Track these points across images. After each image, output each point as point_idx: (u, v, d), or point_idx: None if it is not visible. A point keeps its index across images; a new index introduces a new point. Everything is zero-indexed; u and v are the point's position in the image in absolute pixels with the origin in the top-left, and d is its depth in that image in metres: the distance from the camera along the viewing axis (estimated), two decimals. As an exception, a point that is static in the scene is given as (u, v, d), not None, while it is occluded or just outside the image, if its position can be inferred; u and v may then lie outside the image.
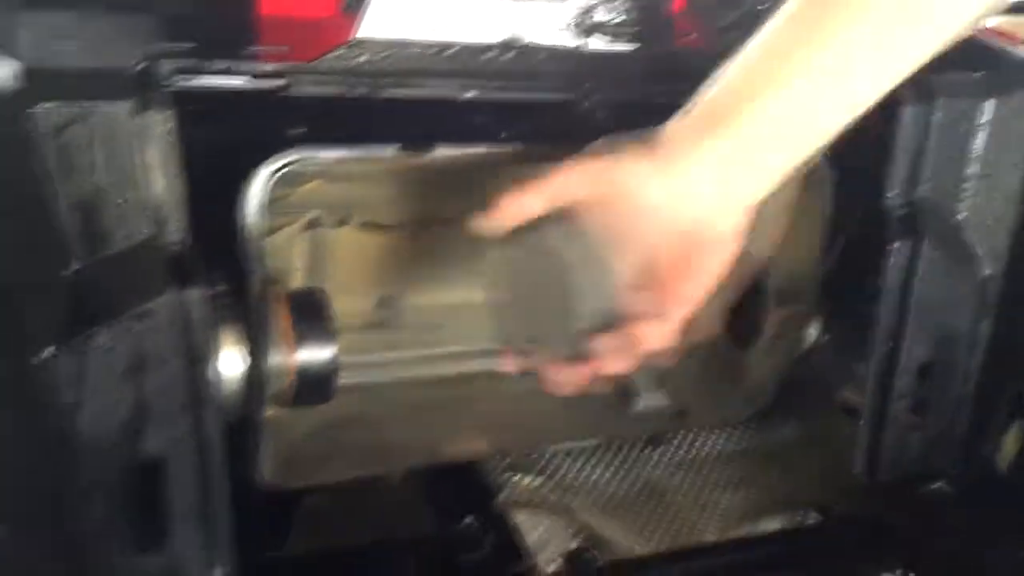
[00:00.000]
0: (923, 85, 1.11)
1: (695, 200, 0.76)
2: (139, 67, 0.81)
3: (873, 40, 0.72)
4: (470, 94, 0.97)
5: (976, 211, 1.17)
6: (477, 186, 1.22)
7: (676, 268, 0.78)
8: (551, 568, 1.13)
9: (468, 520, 1.26)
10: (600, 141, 0.81)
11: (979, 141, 1.15)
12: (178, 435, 0.87)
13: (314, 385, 1.06)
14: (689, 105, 0.77)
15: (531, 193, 0.82)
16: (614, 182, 0.77)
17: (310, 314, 1.04)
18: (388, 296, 1.32)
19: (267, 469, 1.09)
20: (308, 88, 0.91)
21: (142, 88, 0.81)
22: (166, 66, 0.84)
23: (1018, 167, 1.18)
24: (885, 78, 0.75)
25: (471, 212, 1.27)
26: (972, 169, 1.16)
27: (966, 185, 1.16)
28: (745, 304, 1.45)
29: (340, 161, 1.00)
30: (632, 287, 0.80)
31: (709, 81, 0.77)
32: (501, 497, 1.24)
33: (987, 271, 1.19)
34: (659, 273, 0.79)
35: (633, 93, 1.04)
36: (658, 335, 0.80)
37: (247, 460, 1.06)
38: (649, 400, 1.41)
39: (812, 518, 1.26)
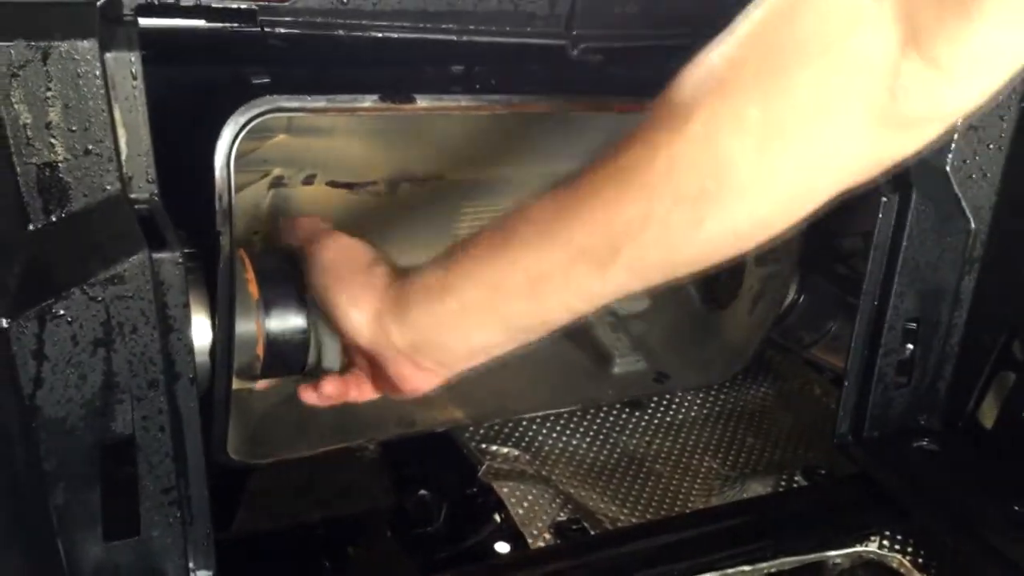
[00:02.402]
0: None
1: (397, 359, 0.85)
2: (102, 1, 0.72)
3: (561, 273, 0.75)
4: (457, 37, 0.90)
5: (962, 164, 1.15)
6: (452, 143, 1.16)
7: (381, 379, 0.90)
8: (540, 541, 1.08)
9: (422, 493, 1.22)
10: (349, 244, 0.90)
11: (968, 92, 1.12)
12: (150, 412, 0.79)
13: (284, 356, 0.99)
14: (428, 267, 0.83)
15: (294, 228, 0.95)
16: (330, 298, 0.87)
17: (279, 280, 0.97)
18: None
19: (231, 445, 1.02)
20: (282, 29, 0.84)
21: (106, 25, 0.72)
22: (130, 2, 0.75)
23: (1004, 119, 1.16)
24: (572, 307, 0.78)
25: (445, 170, 1.22)
26: (961, 122, 1.13)
27: (955, 137, 1.14)
28: (723, 265, 1.42)
29: (312, 113, 0.93)
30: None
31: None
32: (481, 470, 1.19)
33: (972, 225, 1.17)
34: (372, 366, 0.90)
35: (625, 38, 0.99)
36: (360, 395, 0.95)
37: (208, 436, 0.99)
38: (626, 364, 1.37)
39: (797, 481, 1.24)
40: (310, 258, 0.89)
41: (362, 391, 0.95)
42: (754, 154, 0.67)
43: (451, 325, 0.81)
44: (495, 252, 0.78)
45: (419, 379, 0.86)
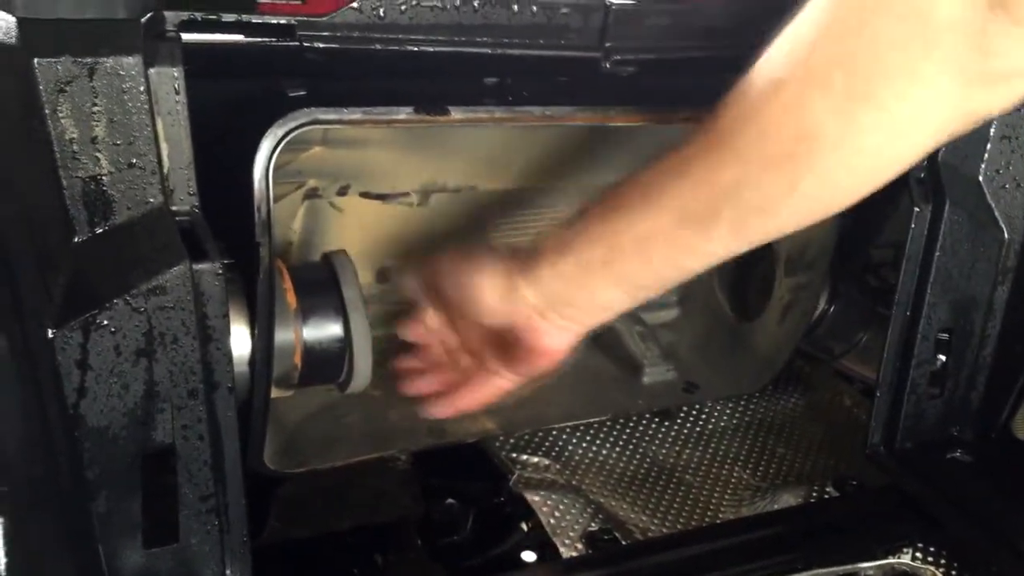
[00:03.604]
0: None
1: (532, 320, 0.89)
2: (146, 18, 0.74)
3: (666, 234, 0.80)
4: (491, 50, 0.91)
5: (995, 174, 1.15)
6: (484, 154, 1.17)
7: (513, 354, 0.94)
8: (572, 551, 1.09)
9: (449, 502, 1.22)
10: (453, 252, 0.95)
11: (1001, 102, 1.12)
12: (190, 421, 0.81)
13: (321, 364, 1.00)
14: (555, 231, 0.88)
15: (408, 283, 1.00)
16: (461, 282, 0.92)
17: (317, 289, 0.98)
18: (387, 267, 1.26)
19: (266, 454, 1.03)
20: (320, 44, 0.85)
21: (150, 41, 0.73)
22: (172, 18, 0.76)
23: (1038, 128, 1.15)
24: (683, 265, 0.83)
25: (477, 181, 1.23)
26: (994, 130, 1.13)
27: (987, 147, 1.13)
28: (754, 274, 1.42)
29: (348, 125, 0.94)
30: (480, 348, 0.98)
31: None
32: (512, 479, 1.19)
33: (1006, 235, 1.16)
34: (502, 351, 0.95)
35: (657, 50, 0.99)
36: (492, 388, 0.99)
37: (245, 445, 0.99)
38: (656, 374, 1.37)
39: (828, 492, 1.23)
40: (434, 264, 0.95)
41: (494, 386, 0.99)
42: (841, 116, 0.70)
43: (575, 282, 0.86)
44: (608, 215, 0.83)
45: (554, 336, 0.90)
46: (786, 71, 0.72)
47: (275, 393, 0.96)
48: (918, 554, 1.09)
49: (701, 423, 1.37)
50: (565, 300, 0.87)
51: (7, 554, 0.49)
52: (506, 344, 0.93)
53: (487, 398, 1.01)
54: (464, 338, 0.99)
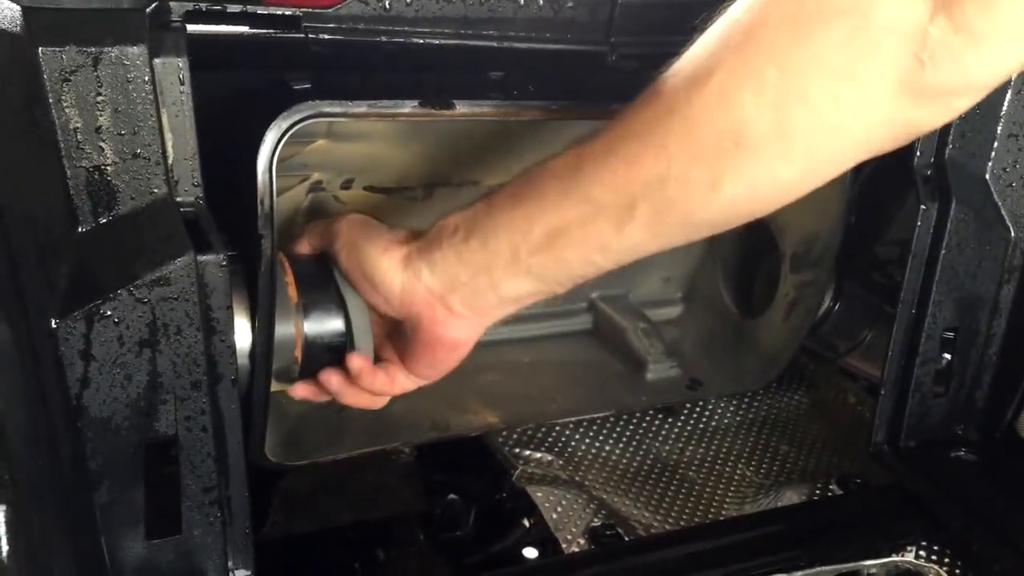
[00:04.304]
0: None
1: (431, 307, 0.85)
2: (151, 8, 0.73)
3: (579, 228, 0.76)
4: (497, 43, 0.90)
5: (1002, 172, 1.14)
6: (489, 148, 1.17)
7: (410, 349, 0.89)
8: (574, 546, 1.08)
9: (451, 497, 1.22)
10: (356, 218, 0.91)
11: (1008, 100, 1.11)
12: (193, 412, 0.81)
13: (322, 358, 0.99)
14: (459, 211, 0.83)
15: (315, 232, 0.94)
16: (363, 257, 0.87)
17: (318, 283, 0.98)
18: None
19: (267, 447, 1.03)
20: (326, 35, 0.85)
21: (155, 31, 0.73)
22: (178, 8, 0.76)
23: (1047, 126, 1.15)
24: (593, 261, 0.79)
25: (481, 175, 1.22)
26: (1001, 128, 1.12)
27: (995, 145, 1.13)
28: (759, 271, 1.42)
29: (352, 118, 0.93)
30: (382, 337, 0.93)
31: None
32: (515, 474, 1.19)
33: (1012, 234, 1.16)
34: (399, 345, 0.91)
35: (663, 45, 0.99)
36: (388, 384, 0.93)
37: (247, 437, 0.99)
38: (660, 371, 1.37)
39: (832, 490, 1.23)
40: (335, 230, 0.90)
41: (391, 377, 0.93)
42: (771, 113, 0.67)
43: (479, 270, 0.81)
44: (517, 204, 0.79)
45: (454, 326, 0.85)
46: (717, 59, 0.68)
47: (275, 387, 0.96)
48: (921, 552, 1.09)
49: (705, 420, 1.37)
50: (468, 288, 0.83)
51: (10, 543, 0.49)
52: (404, 338, 0.89)
53: (375, 402, 0.95)
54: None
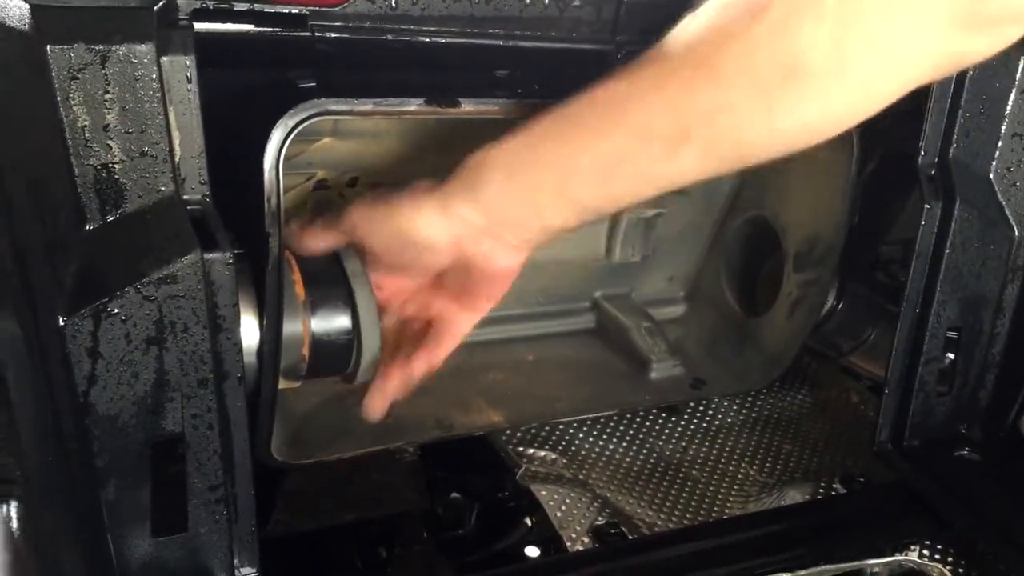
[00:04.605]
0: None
1: (479, 242, 0.84)
2: (159, 6, 0.74)
3: (630, 157, 0.76)
4: (503, 42, 0.91)
5: (1006, 171, 1.14)
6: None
7: (465, 289, 0.89)
8: (578, 545, 1.09)
9: (454, 496, 1.22)
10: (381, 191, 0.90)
11: (1013, 99, 1.11)
12: (199, 410, 0.81)
13: (329, 356, 0.99)
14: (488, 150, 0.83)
15: (326, 230, 0.92)
16: (394, 226, 0.86)
17: (326, 281, 0.98)
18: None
19: (273, 445, 1.03)
20: (332, 33, 0.85)
21: (162, 29, 0.73)
22: (185, 6, 0.76)
23: (1051, 126, 1.15)
24: (641, 190, 0.79)
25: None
26: (1005, 128, 1.12)
27: (999, 144, 1.13)
28: (762, 270, 1.42)
29: (358, 116, 0.93)
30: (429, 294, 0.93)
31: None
32: (519, 473, 1.19)
33: (1016, 233, 1.16)
34: (451, 290, 0.91)
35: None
36: (459, 327, 0.93)
37: (253, 436, 0.99)
38: (663, 369, 1.37)
39: (836, 489, 1.23)
40: (349, 221, 0.89)
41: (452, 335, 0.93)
42: (829, 43, 0.68)
43: (524, 202, 0.81)
44: (562, 136, 0.78)
45: (504, 255, 0.85)
46: None
47: (283, 384, 0.96)
48: (925, 551, 1.09)
49: (708, 419, 1.37)
50: (512, 219, 0.82)
51: (22, 538, 0.49)
52: (454, 281, 0.89)
53: (449, 348, 0.95)
54: (403, 292, 0.94)
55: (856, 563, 1.07)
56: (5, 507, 0.50)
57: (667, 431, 1.34)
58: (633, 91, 0.75)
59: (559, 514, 1.12)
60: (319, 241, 0.93)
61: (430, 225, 0.84)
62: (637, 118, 0.74)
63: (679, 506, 1.21)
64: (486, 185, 0.81)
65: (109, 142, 0.73)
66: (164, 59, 0.73)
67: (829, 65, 0.69)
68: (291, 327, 0.93)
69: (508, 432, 1.26)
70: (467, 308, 0.92)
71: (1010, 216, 1.15)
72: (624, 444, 1.30)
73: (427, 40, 0.89)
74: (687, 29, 0.73)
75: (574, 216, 0.82)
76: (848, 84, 0.70)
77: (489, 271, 0.86)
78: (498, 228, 0.83)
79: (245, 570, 0.89)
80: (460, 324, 0.93)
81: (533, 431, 1.28)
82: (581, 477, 1.22)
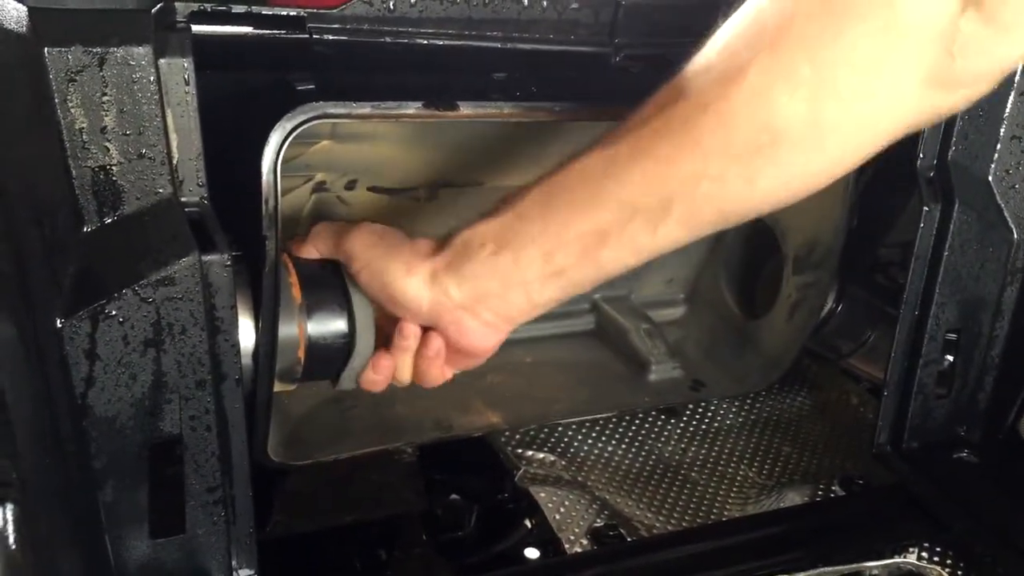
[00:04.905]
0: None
1: (458, 318, 0.85)
2: (156, 8, 0.74)
3: (615, 231, 0.77)
4: (501, 44, 0.91)
5: (1005, 174, 1.14)
6: (493, 149, 1.17)
7: (446, 347, 0.89)
8: (576, 547, 1.09)
9: (453, 497, 1.22)
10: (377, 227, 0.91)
11: (1012, 102, 1.11)
12: (197, 412, 0.81)
13: (325, 359, 0.99)
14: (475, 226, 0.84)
15: (326, 245, 0.93)
16: (385, 279, 0.87)
17: (322, 284, 0.98)
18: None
19: (270, 446, 1.03)
20: (330, 36, 0.85)
21: (160, 32, 0.73)
22: (183, 9, 0.76)
23: (1050, 129, 1.15)
24: (625, 261, 0.80)
25: (485, 176, 1.23)
26: (1004, 131, 1.12)
27: (997, 147, 1.13)
28: (762, 273, 1.42)
29: (358, 119, 0.94)
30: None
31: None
32: (518, 474, 1.19)
33: (1015, 236, 1.16)
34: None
35: (667, 46, 0.99)
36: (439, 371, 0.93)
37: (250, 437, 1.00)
38: (662, 371, 1.37)
39: (835, 491, 1.23)
40: (349, 248, 0.90)
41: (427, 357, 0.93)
42: (807, 110, 0.68)
43: (510, 279, 0.82)
44: (547, 212, 0.79)
45: (483, 334, 0.86)
46: (749, 54, 0.69)
47: (278, 387, 0.96)
48: (924, 554, 1.09)
49: (707, 421, 1.37)
50: (496, 296, 0.83)
51: (18, 541, 0.49)
52: (437, 331, 0.89)
53: (439, 378, 0.94)
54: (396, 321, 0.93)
55: (855, 565, 1.07)
56: (1, 510, 0.50)
57: (666, 433, 1.34)
58: (613, 165, 0.75)
59: (558, 516, 1.12)
60: (312, 250, 0.94)
61: (416, 291, 0.85)
62: (618, 192, 0.75)
63: (678, 508, 1.21)
64: (473, 261, 0.82)
65: (107, 144, 0.73)
66: (162, 61, 0.74)
67: (807, 131, 0.69)
68: (287, 330, 0.93)
69: (507, 434, 1.26)
70: (449, 362, 0.92)
71: (1009, 219, 1.15)
72: (623, 446, 1.30)
73: (425, 42, 0.89)
74: (667, 95, 0.73)
75: (559, 290, 0.83)
76: (827, 146, 0.71)
77: (463, 346, 0.87)
78: (478, 305, 0.84)
79: (243, 572, 0.89)
80: (445, 369, 0.94)
81: (532, 433, 1.28)
82: (580, 479, 1.22)
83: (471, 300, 0.84)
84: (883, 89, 0.68)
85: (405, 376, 0.93)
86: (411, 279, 0.85)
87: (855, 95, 0.68)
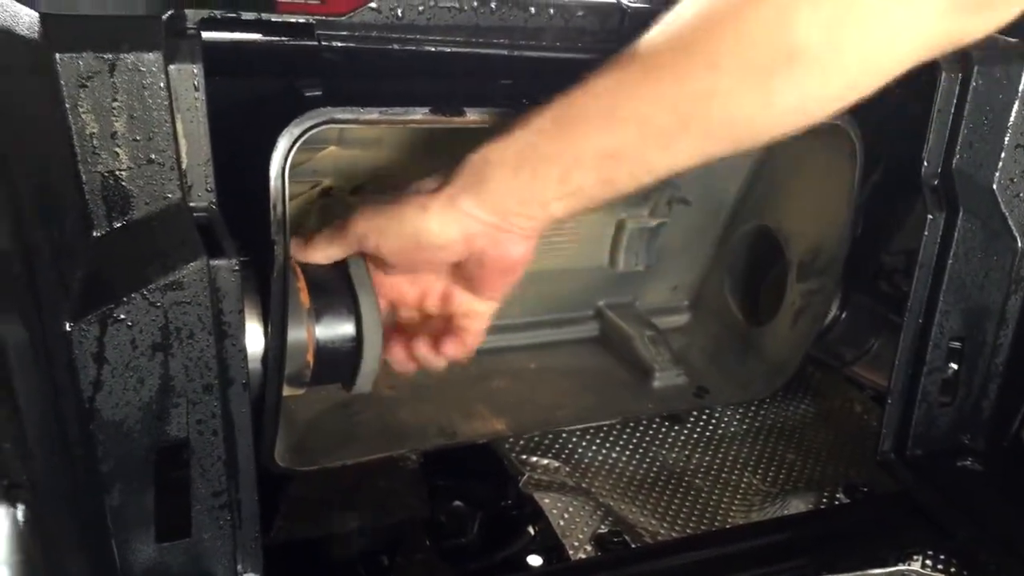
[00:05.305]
0: (960, 52, 1.08)
1: (491, 235, 0.85)
2: (167, 15, 0.74)
3: (630, 147, 0.77)
4: (508, 52, 0.91)
5: (1009, 182, 1.15)
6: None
7: (480, 279, 0.91)
8: (581, 553, 1.09)
9: (456, 504, 1.22)
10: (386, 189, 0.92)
11: (1016, 110, 1.12)
12: (204, 416, 0.81)
13: (333, 364, 1.00)
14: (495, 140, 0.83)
15: (333, 242, 0.92)
16: (405, 230, 0.86)
17: (330, 289, 0.98)
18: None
19: (276, 452, 1.03)
20: (339, 43, 0.85)
21: (170, 38, 0.74)
22: (193, 15, 0.77)
23: (1056, 138, 1.15)
24: (641, 177, 0.80)
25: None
26: (1008, 139, 1.13)
27: (1002, 156, 1.13)
28: (766, 279, 1.42)
29: (365, 125, 0.94)
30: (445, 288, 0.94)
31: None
32: (521, 481, 1.19)
33: (1019, 244, 1.16)
34: (467, 281, 0.92)
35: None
36: (482, 317, 0.95)
37: (257, 442, 1.00)
38: (666, 378, 1.37)
39: (839, 498, 1.23)
40: (357, 228, 0.90)
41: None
42: (826, 30, 0.68)
43: (529, 195, 0.82)
44: (563, 130, 0.79)
45: (514, 244, 0.86)
46: None
47: (287, 391, 0.96)
48: (928, 562, 1.09)
49: (711, 428, 1.37)
50: (521, 213, 0.84)
51: (26, 543, 0.50)
52: (469, 273, 0.90)
53: (478, 335, 0.97)
54: (420, 290, 0.95)
55: (859, 573, 1.07)
56: (14, 510, 0.50)
57: (670, 440, 1.34)
58: (628, 83, 0.75)
59: (562, 522, 1.12)
60: (326, 253, 0.94)
61: (441, 225, 0.85)
62: (634, 109, 0.75)
63: (682, 515, 1.21)
64: (491, 182, 0.82)
65: (117, 149, 0.74)
66: (172, 67, 0.74)
67: (826, 49, 0.69)
68: (295, 334, 0.93)
69: (511, 440, 1.26)
70: (485, 297, 0.93)
71: (1013, 227, 1.15)
72: (627, 453, 1.30)
73: (432, 49, 0.90)
74: (680, 16, 0.73)
75: (578, 204, 0.83)
76: (845, 66, 0.70)
77: (502, 261, 0.88)
78: (506, 221, 0.84)
79: (249, 576, 0.89)
80: (482, 313, 0.95)
81: (536, 439, 1.28)
82: (584, 485, 1.22)
83: (496, 216, 0.84)
84: (904, 9, 0.68)
85: (437, 361, 0.97)
86: (431, 216, 0.85)
87: (876, 17, 0.68)
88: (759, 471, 1.30)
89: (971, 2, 0.68)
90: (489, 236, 0.85)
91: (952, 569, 1.08)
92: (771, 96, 0.71)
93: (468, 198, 0.83)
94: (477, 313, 0.95)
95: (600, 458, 1.28)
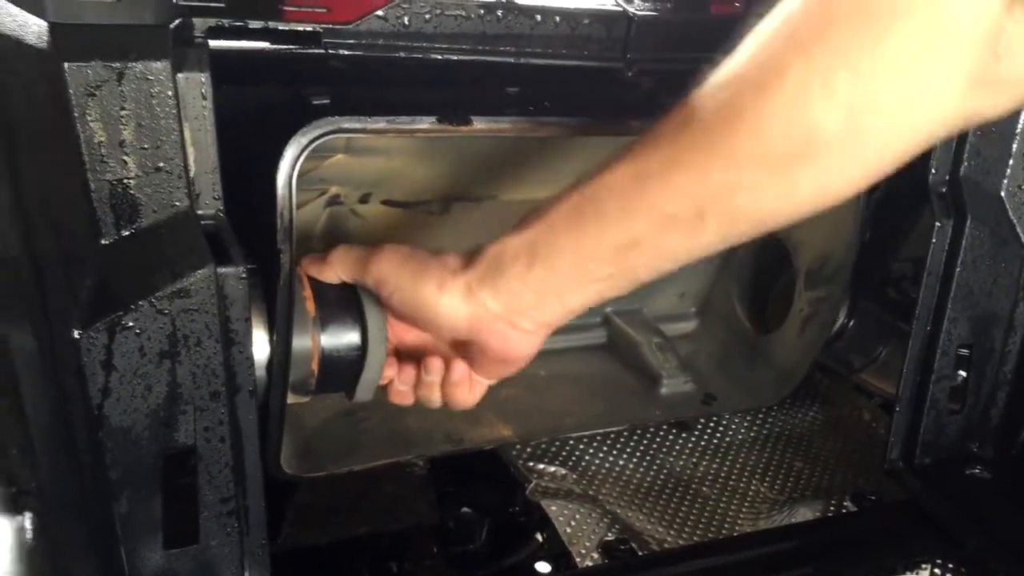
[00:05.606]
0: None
1: (498, 329, 0.85)
2: (175, 24, 0.75)
3: (649, 240, 0.77)
4: (514, 59, 0.91)
5: (1017, 189, 1.14)
6: (506, 163, 1.18)
7: (479, 361, 0.90)
8: (588, 560, 1.09)
9: (464, 510, 1.23)
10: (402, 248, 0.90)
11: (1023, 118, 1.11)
12: (211, 423, 0.81)
13: (338, 372, 1.00)
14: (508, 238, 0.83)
15: (347, 270, 0.92)
16: (417, 299, 0.87)
17: (336, 297, 0.99)
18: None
19: (283, 458, 1.03)
20: (345, 51, 0.86)
21: (178, 47, 0.74)
22: (200, 24, 0.77)
23: (1063, 145, 1.15)
24: (660, 267, 0.80)
25: (498, 190, 1.23)
26: (1016, 146, 1.12)
27: (1010, 163, 1.13)
28: (774, 287, 1.42)
29: (372, 133, 0.94)
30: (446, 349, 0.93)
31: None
32: (529, 488, 1.19)
33: (1029, 252, 1.16)
34: (467, 356, 0.91)
35: (679, 61, 0.99)
36: (476, 387, 0.94)
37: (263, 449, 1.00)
38: (674, 385, 1.37)
39: (847, 506, 1.23)
40: (378, 273, 0.89)
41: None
42: (844, 118, 0.67)
43: (545, 290, 0.82)
44: (580, 224, 0.78)
45: (524, 341, 0.87)
46: (783, 62, 0.67)
47: (291, 399, 0.96)
48: (936, 570, 1.08)
49: (719, 435, 1.37)
50: (532, 306, 0.83)
51: (34, 549, 0.50)
52: (472, 352, 0.90)
53: (469, 399, 0.95)
54: (422, 343, 0.94)
55: (867, 581, 1.07)
56: (20, 518, 0.50)
57: (677, 447, 1.34)
58: (645, 175, 0.75)
59: (569, 530, 1.12)
60: (339, 277, 0.94)
61: (451, 308, 0.85)
62: (653, 202, 0.75)
63: (689, 522, 1.21)
64: (507, 275, 0.82)
65: (125, 158, 0.74)
66: (180, 76, 0.74)
67: (844, 139, 0.68)
68: (300, 342, 0.94)
69: (518, 447, 1.27)
70: (480, 375, 0.93)
71: (1021, 234, 1.15)
72: (634, 460, 1.30)
73: (439, 57, 0.90)
74: (697, 104, 0.72)
75: (595, 295, 0.83)
76: (865, 152, 0.70)
77: (504, 354, 0.88)
78: (516, 315, 0.84)
79: (256, 583, 0.89)
80: (476, 383, 0.94)
81: (543, 446, 1.28)
82: (591, 493, 1.22)
83: (509, 311, 0.84)
84: (925, 94, 0.67)
85: (434, 403, 0.95)
86: (445, 296, 0.85)
87: (895, 101, 0.67)
88: (767, 479, 1.30)
89: (991, 81, 0.67)
90: (497, 330, 0.85)
91: (960, 578, 1.08)
92: (794, 187, 0.71)
93: (485, 290, 0.84)
94: (473, 382, 0.94)
95: (607, 465, 1.28)
